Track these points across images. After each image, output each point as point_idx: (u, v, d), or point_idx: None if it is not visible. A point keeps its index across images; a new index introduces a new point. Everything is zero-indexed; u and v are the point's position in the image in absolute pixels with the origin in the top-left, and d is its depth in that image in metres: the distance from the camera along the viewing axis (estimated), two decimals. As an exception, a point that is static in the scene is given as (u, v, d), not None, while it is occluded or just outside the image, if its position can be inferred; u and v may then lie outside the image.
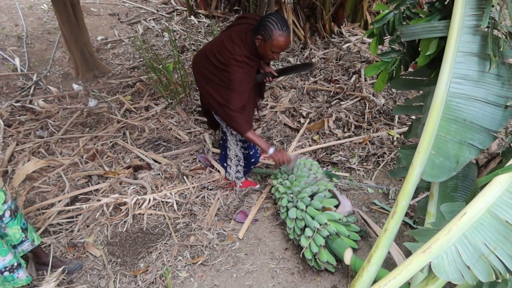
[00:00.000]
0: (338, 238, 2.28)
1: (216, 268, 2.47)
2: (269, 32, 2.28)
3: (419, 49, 2.26)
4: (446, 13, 2.14)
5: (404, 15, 2.26)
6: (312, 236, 2.28)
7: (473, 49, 1.90)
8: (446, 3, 2.16)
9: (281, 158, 2.60)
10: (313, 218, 2.35)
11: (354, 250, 2.42)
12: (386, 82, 2.40)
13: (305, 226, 2.37)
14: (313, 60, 4.93)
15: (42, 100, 4.52)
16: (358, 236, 2.43)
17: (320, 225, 2.27)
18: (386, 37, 2.40)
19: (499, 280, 1.38)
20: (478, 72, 1.89)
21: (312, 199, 2.47)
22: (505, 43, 1.79)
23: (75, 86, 4.85)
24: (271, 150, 2.57)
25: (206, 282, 2.39)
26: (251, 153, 3.02)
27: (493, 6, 1.82)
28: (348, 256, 2.20)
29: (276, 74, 2.83)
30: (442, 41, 2.08)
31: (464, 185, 2.25)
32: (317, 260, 2.28)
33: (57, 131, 3.96)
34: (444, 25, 2.02)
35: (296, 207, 2.47)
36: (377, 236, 2.48)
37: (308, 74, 4.65)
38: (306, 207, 2.42)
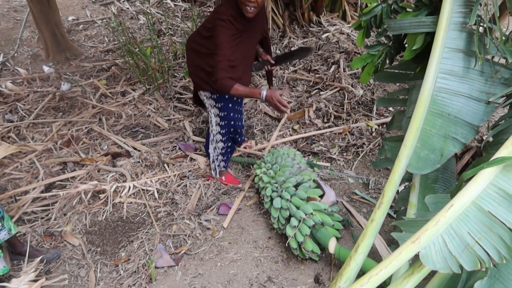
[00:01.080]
0: (322, 228, 2.32)
1: (200, 257, 2.47)
2: None
3: (405, 43, 2.31)
4: (433, 8, 2.19)
5: (391, 8, 2.28)
6: (298, 226, 2.31)
7: (460, 46, 1.96)
8: (433, -2, 2.21)
9: (278, 99, 2.27)
10: (298, 208, 2.37)
11: (337, 238, 2.47)
12: (371, 74, 2.43)
13: (290, 216, 2.39)
14: (293, 48, 4.93)
15: (10, 82, 4.30)
16: (341, 225, 2.48)
17: (306, 215, 2.30)
18: (372, 30, 2.43)
19: (483, 269, 1.45)
20: (463, 68, 1.94)
21: (296, 189, 2.49)
22: (490, 41, 1.84)
23: (45, 68, 4.64)
24: (264, 93, 2.31)
25: (190, 271, 2.38)
26: (229, 144, 2.94)
27: (480, 4, 1.87)
28: (332, 245, 2.25)
29: (273, 62, 2.80)
30: (428, 36, 2.13)
31: (444, 177, 2.33)
32: (302, 249, 2.31)
33: (27, 115, 3.80)
34: (431, 20, 2.06)
35: (280, 196, 2.48)
36: (360, 225, 2.55)
37: (288, 63, 4.64)
38: (291, 197, 2.44)
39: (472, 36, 1.91)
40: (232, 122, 2.76)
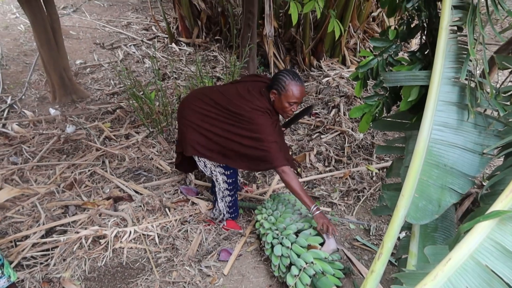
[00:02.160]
0: (323, 277, 2.31)
1: (199, 306, 2.44)
2: (282, 84, 2.38)
3: (401, 94, 2.40)
4: (426, 63, 2.30)
5: (387, 61, 2.38)
6: (298, 275, 2.29)
7: (453, 99, 2.03)
8: (425, 53, 2.32)
9: (328, 225, 2.39)
10: (298, 256, 2.36)
11: None
12: (369, 123, 2.49)
13: (291, 264, 2.38)
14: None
15: (17, 124, 4.40)
16: (342, 274, 2.46)
17: (306, 263, 2.29)
18: (369, 81, 2.53)
19: (484, 326, 1.43)
20: (457, 120, 2.01)
21: (297, 236, 2.50)
22: (481, 95, 1.92)
23: (52, 111, 4.75)
24: (316, 211, 2.43)
25: (189, 321, 2.35)
26: (236, 196, 2.92)
27: (470, 60, 1.96)
28: None
29: (283, 128, 2.92)
30: (422, 89, 2.21)
31: (443, 226, 2.33)
32: None
33: (32, 157, 3.85)
34: (425, 74, 2.15)
35: (281, 244, 2.48)
36: (361, 274, 2.52)
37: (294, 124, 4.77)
38: (292, 244, 2.44)
39: (464, 90, 1.99)
40: (237, 177, 2.81)
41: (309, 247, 2.42)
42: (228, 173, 2.71)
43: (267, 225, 2.66)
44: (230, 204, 2.90)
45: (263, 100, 2.47)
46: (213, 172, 2.74)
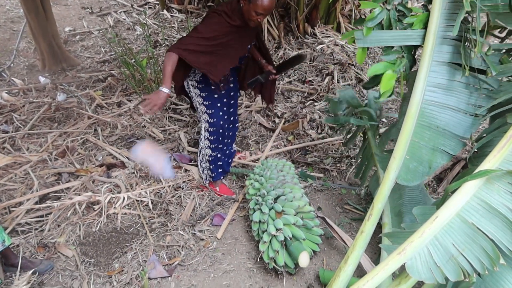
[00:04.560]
0: (296, 241, 2.32)
1: (193, 268, 2.48)
2: None
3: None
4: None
5: (397, 11, 2.08)
6: (269, 241, 2.33)
7: (446, 59, 2.01)
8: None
9: (152, 103, 2.34)
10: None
11: (321, 257, 2.49)
12: (393, 85, 2.08)
13: (265, 231, 2.41)
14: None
15: (6, 93, 4.32)
16: (319, 239, 2.47)
17: (277, 230, 2.32)
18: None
19: (467, 279, 1.48)
20: (451, 81, 1.99)
21: (276, 202, 2.52)
22: (475, 53, 1.89)
23: (41, 79, 4.67)
24: (163, 89, 2.36)
25: (184, 282, 2.40)
26: (218, 155, 2.95)
27: (468, 21, 1.91)
28: (303, 259, 2.25)
29: (274, 71, 2.85)
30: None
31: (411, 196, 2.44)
32: (274, 265, 2.33)
33: (23, 125, 3.82)
34: (418, 34, 2.09)
35: (260, 210, 2.51)
36: (344, 242, 2.52)
37: (283, 74, 4.71)
38: (270, 210, 2.47)
39: (458, 49, 1.96)
40: (221, 130, 2.81)
41: (278, 214, 2.43)
42: (211, 120, 2.74)
43: (252, 191, 2.68)
44: (210, 159, 2.92)
45: (226, 5, 2.47)
46: (200, 114, 2.79)
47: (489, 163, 1.60)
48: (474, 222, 1.56)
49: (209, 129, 2.80)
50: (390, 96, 2.11)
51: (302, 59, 2.88)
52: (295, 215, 2.42)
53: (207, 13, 2.55)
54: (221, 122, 2.79)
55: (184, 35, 5.46)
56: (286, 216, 2.40)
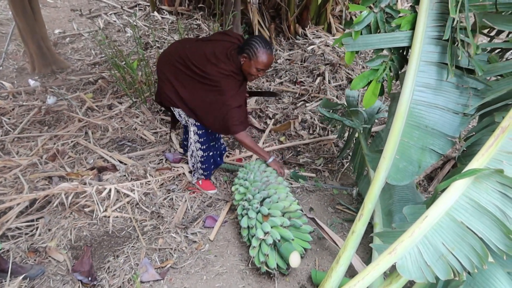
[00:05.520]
0: (285, 242, 2.31)
1: (186, 271, 2.47)
2: (254, 50, 2.43)
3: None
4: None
5: (385, 14, 2.10)
6: (258, 245, 2.33)
7: (434, 59, 2.03)
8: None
9: (282, 168, 2.82)
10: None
11: (313, 255, 2.50)
12: (377, 94, 2.17)
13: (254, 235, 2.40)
14: (279, 60, 5.02)
15: (-5, 96, 4.28)
16: (309, 237, 2.46)
17: (265, 234, 2.32)
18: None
19: (457, 278, 1.49)
20: (438, 80, 2.01)
21: (262, 204, 2.51)
22: (462, 53, 1.91)
23: (31, 82, 4.62)
24: (271, 159, 2.80)
25: (176, 285, 2.38)
26: (210, 153, 2.99)
27: (461, 21, 1.93)
28: (294, 260, 2.24)
29: (247, 95, 2.98)
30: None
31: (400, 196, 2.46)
32: (267, 268, 2.33)
33: (12, 129, 3.78)
34: (405, 35, 2.11)
35: (247, 215, 2.50)
36: (334, 242, 2.53)
37: (274, 75, 4.72)
38: (256, 214, 2.46)
39: (446, 49, 1.98)
40: (209, 130, 2.84)
41: (264, 218, 2.42)
42: (199, 124, 2.78)
43: (238, 197, 2.67)
44: (203, 160, 2.95)
45: (229, 63, 2.55)
46: (187, 121, 2.84)
47: (478, 162, 1.62)
48: (463, 220, 1.57)
49: (198, 132, 2.81)
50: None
51: (275, 95, 3.02)
52: (282, 216, 2.42)
53: (215, 77, 2.53)
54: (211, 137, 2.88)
55: (175, 37, 5.51)
56: (272, 219, 2.39)
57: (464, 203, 1.59)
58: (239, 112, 2.60)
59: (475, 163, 1.62)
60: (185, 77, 2.66)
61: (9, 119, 3.92)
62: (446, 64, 1.99)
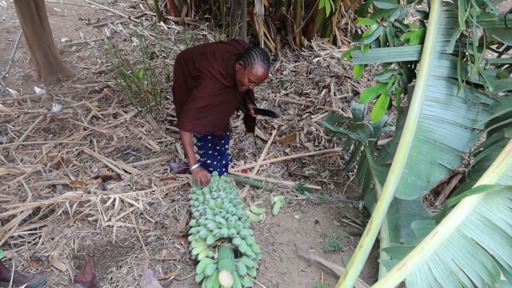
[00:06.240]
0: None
1: (190, 283, 2.44)
2: (251, 60, 2.39)
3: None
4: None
5: (395, 28, 2.13)
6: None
7: (444, 73, 2.02)
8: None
9: (202, 178, 2.76)
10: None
11: (318, 269, 2.46)
12: (385, 108, 2.16)
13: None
14: (284, 72, 5.05)
15: (1, 103, 4.29)
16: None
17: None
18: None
19: (468, 296, 1.46)
20: (448, 95, 2.01)
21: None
22: (472, 68, 1.90)
23: (37, 90, 4.64)
24: (193, 167, 2.74)
25: (179, 297, 2.36)
26: (208, 162, 3.03)
27: (466, 36, 1.93)
28: (223, 279, 2.19)
29: (252, 110, 2.98)
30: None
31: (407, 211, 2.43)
32: None
33: (17, 136, 3.77)
34: (414, 49, 2.12)
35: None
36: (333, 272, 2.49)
37: (280, 87, 4.73)
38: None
39: (455, 64, 1.98)
40: (209, 137, 2.88)
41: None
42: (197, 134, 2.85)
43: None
44: (203, 161, 3.01)
45: (222, 64, 2.54)
46: None
47: (488, 178, 1.60)
48: (473, 237, 1.55)
49: (197, 135, 2.88)
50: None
51: (274, 116, 3.06)
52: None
53: (202, 74, 2.56)
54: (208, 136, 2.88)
55: (181, 47, 5.54)
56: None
57: (475, 220, 1.57)
58: (198, 114, 2.56)
59: (485, 179, 1.60)
60: (183, 72, 2.73)
61: (14, 126, 3.92)
62: (455, 78, 1.98)
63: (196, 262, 2.45)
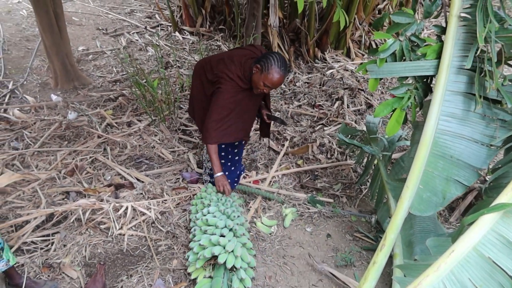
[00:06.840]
0: None
1: (199, 294, 2.43)
2: (268, 65, 2.41)
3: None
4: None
5: (411, 42, 2.13)
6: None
7: (461, 89, 2.00)
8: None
9: (224, 186, 2.79)
10: None
11: (331, 284, 2.42)
12: (401, 122, 2.15)
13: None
14: (298, 83, 5.06)
15: (18, 110, 4.37)
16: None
17: None
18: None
19: (486, 318, 1.42)
20: (465, 110, 1.98)
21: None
22: (490, 85, 1.88)
23: (53, 97, 4.72)
24: (218, 174, 2.77)
25: (189, 309, 2.34)
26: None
27: (484, 51, 1.91)
28: None
29: (266, 116, 3.03)
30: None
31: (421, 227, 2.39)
32: None
33: (33, 143, 3.83)
34: (430, 64, 2.10)
35: None
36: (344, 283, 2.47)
37: (293, 98, 4.73)
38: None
39: (473, 80, 1.96)
40: (223, 146, 2.88)
41: None
42: None
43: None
44: (211, 173, 3.02)
45: (239, 67, 2.58)
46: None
47: (506, 196, 1.57)
48: (491, 256, 1.51)
49: None
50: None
51: (284, 123, 3.14)
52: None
53: (220, 78, 2.59)
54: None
55: (196, 57, 5.60)
56: None
57: (493, 239, 1.54)
58: (220, 124, 2.62)
59: (503, 197, 1.57)
60: (201, 80, 2.79)
61: (30, 132, 3.99)
62: (473, 94, 1.96)
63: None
